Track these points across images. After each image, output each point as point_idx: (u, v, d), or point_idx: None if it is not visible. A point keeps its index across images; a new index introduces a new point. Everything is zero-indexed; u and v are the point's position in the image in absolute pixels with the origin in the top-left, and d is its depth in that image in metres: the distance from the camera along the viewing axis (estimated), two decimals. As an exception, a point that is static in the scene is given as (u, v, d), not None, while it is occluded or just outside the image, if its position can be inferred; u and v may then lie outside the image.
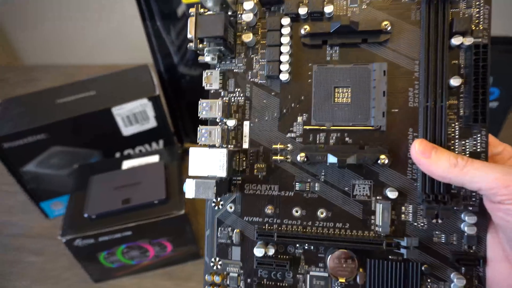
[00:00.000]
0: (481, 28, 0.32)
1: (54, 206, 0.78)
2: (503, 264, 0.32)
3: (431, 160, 0.30)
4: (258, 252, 0.35)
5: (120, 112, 0.70)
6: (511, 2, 0.90)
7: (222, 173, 0.34)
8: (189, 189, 0.33)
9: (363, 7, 0.35)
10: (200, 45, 0.36)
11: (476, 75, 0.31)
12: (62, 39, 1.28)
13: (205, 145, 0.36)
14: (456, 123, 0.33)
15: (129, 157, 0.72)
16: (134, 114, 0.72)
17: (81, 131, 0.71)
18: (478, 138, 0.32)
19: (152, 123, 0.74)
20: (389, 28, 0.33)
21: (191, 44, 0.36)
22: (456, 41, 0.32)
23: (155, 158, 0.70)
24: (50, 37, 1.28)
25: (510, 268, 0.31)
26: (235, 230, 0.37)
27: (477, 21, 0.32)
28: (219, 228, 0.37)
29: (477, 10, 0.32)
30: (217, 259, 0.37)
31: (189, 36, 0.35)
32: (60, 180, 0.75)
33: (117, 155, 0.77)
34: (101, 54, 1.27)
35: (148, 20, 0.70)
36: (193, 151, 0.34)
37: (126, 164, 0.69)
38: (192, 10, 0.35)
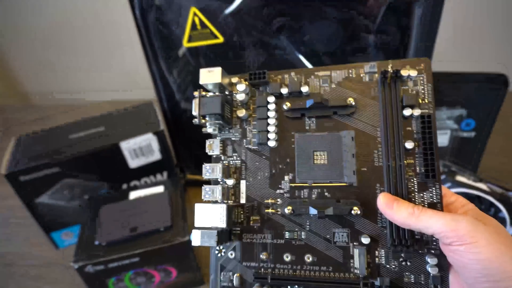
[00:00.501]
0: (426, 101, 0.39)
1: (65, 236, 0.82)
2: None
3: (393, 210, 0.37)
4: (255, 293, 0.41)
5: (127, 146, 0.75)
6: (482, 40, 0.97)
7: (223, 224, 0.40)
8: (195, 238, 0.40)
9: (332, 86, 0.43)
10: (203, 120, 0.44)
11: (424, 139, 0.38)
12: (72, 77, 1.37)
13: (208, 201, 0.43)
14: (415, 179, 0.39)
15: (135, 188, 0.76)
16: (140, 148, 0.77)
17: (91, 164, 0.75)
18: (433, 191, 0.38)
19: (156, 156, 0.79)
20: (353, 103, 0.41)
21: (196, 120, 0.44)
22: (406, 112, 0.39)
23: (160, 189, 0.75)
24: (60, 76, 1.37)
25: None
26: (235, 274, 0.43)
27: (422, 96, 0.40)
28: (222, 273, 0.44)
29: (422, 87, 0.40)
30: (221, 301, 0.43)
31: (194, 113, 0.44)
32: (70, 211, 0.79)
33: (124, 186, 0.81)
34: (109, 91, 1.36)
35: (152, 61, 0.78)
36: (198, 207, 0.42)
37: (133, 195, 0.73)
38: (196, 93, 0.44)
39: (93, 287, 0.66)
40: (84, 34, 1.30)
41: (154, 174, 0.83)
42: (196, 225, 0.41)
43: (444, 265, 0.37)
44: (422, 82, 0.40)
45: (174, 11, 0.73)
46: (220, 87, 0.44)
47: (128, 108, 0.88)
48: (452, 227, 0.33)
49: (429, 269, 0.38)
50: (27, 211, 0.77)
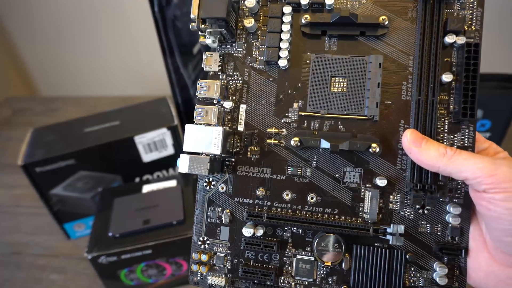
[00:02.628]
0: (473, 29, 0.33)
1: (77, 227, 0.81)
2: (482, 254, 0.32)
3: (421, 149, 0.31)
4: (247, 231, 0.34)
5: (141, 140, 0.75)
6: (500, 42, 0.94)
7: (217, 150, 0.33)
8: (183, 164, 0.32)
9: (362, 1, 0.35)
10: (202, 26, 0.35)
11: (467, 72, 0.32)
12: (82, 71, 1.29)
13: (201, 124, 0.35)
14: (446, 118, 0.33)
15: (148, 181, 0.75)
16: (154, 142, 0.76)
17: (106, 157, 0.75)
18: (466, 133, 0.33)
19: (170, 150, 0.78)
20: (386, 23, 0.34)
21: (193, 24, 0.35)
22: (449, 39, 0.32)
23: (172, 183, 0.73)
24: (70, 69, 1.29)
25: (488, 257, 0.31)
26: (225, 211, 0.36)
27: (469, 22, 0.33)
28: (209, 208, 0.36)
29: (470, 12, 0.33)
30: (205, 238, 0.36)
31: (192, 16, 0.35)
32: (84, 203, 0.78)
33: (137, 179, 0.81)
34: (120, 86, 1.29)
35: (168, 56, 0.75)
36: (189, 128, 0.34)
37: (146, 188, 0.72)
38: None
39: (105, 278, 0.64)
40: (98, 27, 1.19)
41: (167, 168, 0.81)
42: (185, 149, 0.33)
43: (467, 216, 0.32)
44: (471, 5, 0.33)
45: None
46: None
47: (143, 103, 0.86)
48: (491, 172, 0.28)
49: (450, 219, 0.32)
50: (38, 201, 0.75)
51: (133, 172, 0.79)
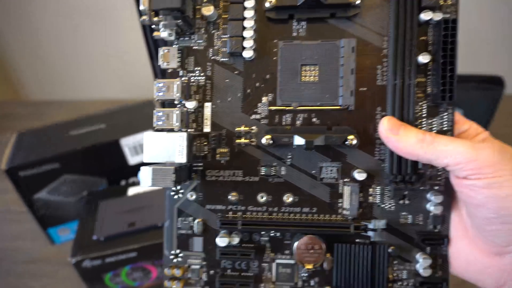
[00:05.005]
0: (449, 3, 0.30)
1: (61, 232, 0.78)
2: (463, 241, 0.30)
3: (399, 136, 0.28)
4: (221, 241, 0.31)
5: (127, 143, 0.73)
6: (479, 42, 0.93)
7: (182, 159, 0.29)
8: (145, 178, 0.28)
9: (330, -21, 0.31)
10: (155, 19, 0.30)
11: (444, 51, 0.29)
12: (69, 74, 1.20)
13: (162, 130, 0.31)
14: (424, 101, 0.30)
15: (134, 184, 0.73)
16: (140, 145, 0.74)
17: (91, 160, 0.72)
18: (445, 116, 0.30)
19: None
20: (358, 2, 0.30)
21: (145, 18, 0.30)
22: (425, 16, 0.29)
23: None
24: (57, 73, 1.21)
25: (469, 244, 0.30)
26: (196, 220, 0.33)
27: (444, -4, 0.30)
28: (179, 219, 0.33)
29: (445, -15, 0.30)
30: (178, 251, 0.33)
31: (141, 8, 0.30)
32: (68, 207, 0.76)
33: (123, 182, 0.78)
34: (108, 90, 1.21)
35: (155, 59, 0.70)
36: (148, 136, 0.29)
37: (132, 191, 0.70)
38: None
39: (90, 282, 0.62)
40: (85, 31, 1.10)
41: None
42: (145, 160, 0.29)
43: (448, 204, 0.31)
44: (446, -22, 0.30)
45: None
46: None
47: (129, 105, 0.83)
48: (472, 157, 0.26)
49: (431, 208, 0.30)
50: (22, 206, 0.71)
51: (119, 175, 0.77)
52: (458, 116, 0.31)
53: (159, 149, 0.29)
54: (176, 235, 0.33)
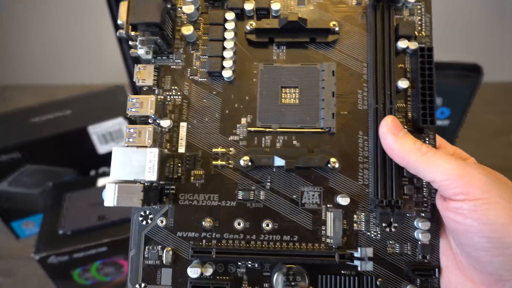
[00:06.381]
0: (424, 34, 0.31)
1: (25, 225, 0.74)
2: (453, 271, 0.28)
3: (397, 137, 0.27)
4: (193, 272, 0.28)
5: (96, 130, 0.69)
6: (457, 30, 0.97)
7: (152, 176, 0.27)
8: (109, 196, 0.26)
9: (310, 7, 0.32)
10: (132, 33, 0.30)
11: (423, 77, 0.29)
12: (36, 57, 1.13)
13: (133, 146, 0.28)
14: (405, 126, 0.30)
15: (104, 174, 0.69)
16: (110, 133, 0.71)
17: (57, 149, 0.69)
18: (427, 141, 0.30)
19: None
20: (337, 29, 0.31)
21: (122, 31, 0.29)
22: (402, 44, 0.30)
23: None
24: (23, 55, 1.13)
25: (460, 276, 0.28)
26: (165, 249, 0.29)
27: (419, 27, 0.31)
28: (147, 247, 0.30)
29: (419, 18, 0.31)
30: (143, 285, 0.29)
31: (119, 22, 0.29)
32: (32, 199, 0.72)
33: (92, 172, 0.74)
34: (76, 74, 1.14)
35: (124, 42, 0.69)
36: (117, 151, 0.27)
37: (102, 182, 0.67)
38: (124, -7, 0.30)
39: (57, 279, 0.59)
40: (53, 11, 1.05)
41: None
42: (112, 177, 0.27)
43: (436, 231, 0.29)
44: (420, 11, 0.31)
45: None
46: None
47: (97, 91, 0.78)
48: (461, 175, 0.25)
49: (419, 236, 0.29)
50: None
51: (88, 164, 0.73)
52: (442, 141, 0.30)
53: (127, 165, 0.26)
54: (143, 266, 0.29)
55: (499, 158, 0.81)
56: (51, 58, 1.14)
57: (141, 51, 0.31)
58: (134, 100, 0.29)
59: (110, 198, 0.25)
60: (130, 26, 0.29)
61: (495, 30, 0.98)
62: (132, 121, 0.30)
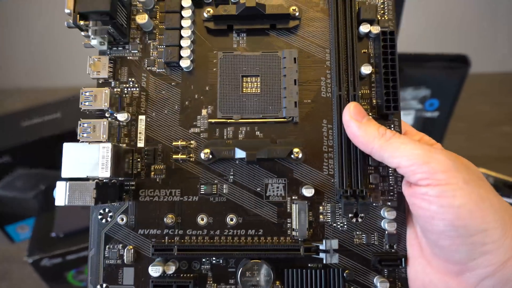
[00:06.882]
0: (387, 18, 0.30)
1: (20, 229, 0.74)
2: (419, 261, 0.28)
3: (361, 124, 0.26)
4: (154, 271, 0.27)
5: None
6: (444, 22, 0.96)
7: (106, 173, 0.25)
8: (60, 195, 0.24)
9: (270, -8, 0.30)
10: (81, 22, 0.28)
11: (385, 62, 0.28)
12: (22, 60, 1.11)
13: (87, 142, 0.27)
14: (370, 114, 0.29)
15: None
16: None
17: (47, 152, 0.68)
18: (392, 128, 0.29)
19: None
20: (297, 14, 0.29)
21: (70, 21, 0.28)
22: (364, 28, 0.29)
23: None
24: (8, 58, 1.11)
25: (425, 264, 0.27)
26: (127, 247, 0.28)
27: (382, 11, 0.30)
28: (107, 246, 0.28)
29: (382, 1, 0.30)
30: (104, 285, 0.28)
31: (66, 11, 0.28)
32: (25, 203, 0.71)
33: None
34: (63, 76, 1.10)
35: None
36: (68, 147, 0.26)
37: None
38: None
39: (51, 282, 0.59)
40: (38, 13, 1.02)
41: None
42: (63, 174, 0.26)
43: (402, 220, 0.28)
44: (381, -7, 0.30)
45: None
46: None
47: None
48: (426, 159, 0.24)
49: (386, 225, 0.28)
50: None
51: None
52: (408, 127, 0.30)
53: (79, 162, 0.25)
54: (103, 266, 0.28)
55: (493, 148, 0.81)
56: (37, 61, 1.12)
57: (94, 42, 0.29)
58: (87, 93, 0.28)
59: (61, 197, 0.24)
60: (78, 15, 0.27)
61: (485, 20, 0.98)
62: (86, 114, 0.29)
